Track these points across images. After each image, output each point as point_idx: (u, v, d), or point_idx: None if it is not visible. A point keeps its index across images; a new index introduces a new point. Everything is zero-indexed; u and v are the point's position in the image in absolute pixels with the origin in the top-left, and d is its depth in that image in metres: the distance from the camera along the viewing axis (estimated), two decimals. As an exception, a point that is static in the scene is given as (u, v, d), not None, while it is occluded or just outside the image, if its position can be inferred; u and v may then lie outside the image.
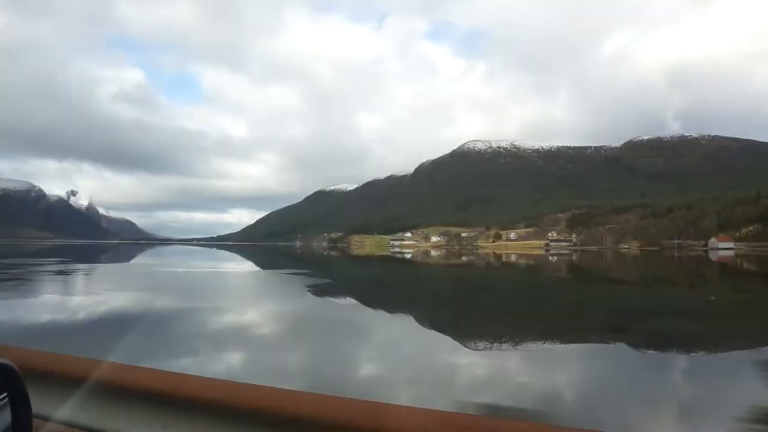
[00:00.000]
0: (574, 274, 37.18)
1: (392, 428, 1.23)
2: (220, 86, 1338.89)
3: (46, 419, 1.43)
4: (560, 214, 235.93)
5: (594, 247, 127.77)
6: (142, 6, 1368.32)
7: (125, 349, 8.52)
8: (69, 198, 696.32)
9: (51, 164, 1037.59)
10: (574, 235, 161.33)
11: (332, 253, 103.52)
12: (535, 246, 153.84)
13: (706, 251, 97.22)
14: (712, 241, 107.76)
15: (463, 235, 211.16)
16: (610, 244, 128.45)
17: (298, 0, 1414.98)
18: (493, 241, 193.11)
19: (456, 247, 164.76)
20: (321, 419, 1.28)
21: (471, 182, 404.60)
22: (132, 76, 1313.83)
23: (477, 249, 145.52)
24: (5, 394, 1.10)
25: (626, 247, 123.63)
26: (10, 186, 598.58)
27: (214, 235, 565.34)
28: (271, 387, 1.40)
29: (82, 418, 1.47)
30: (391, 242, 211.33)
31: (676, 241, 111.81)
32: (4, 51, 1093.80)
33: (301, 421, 1.29)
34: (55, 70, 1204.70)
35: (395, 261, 62.19)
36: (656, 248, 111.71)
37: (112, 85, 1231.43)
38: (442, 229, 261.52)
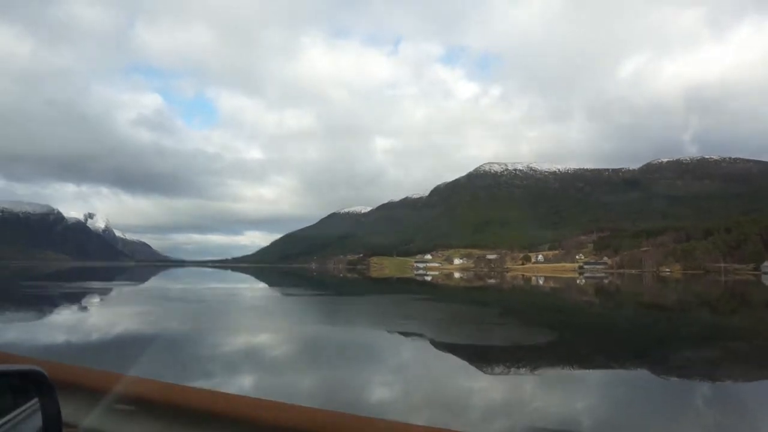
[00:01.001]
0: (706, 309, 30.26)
1: None
2: (236, 110, 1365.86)
3: (74, 426, 1.44)
4: (583, 237, 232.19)
5: (633, 270, 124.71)
6: (161, 32, 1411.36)
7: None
8: (86, 220, 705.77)
9: (70, 187, 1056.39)
10: (606, 258, 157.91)
11: (349, 275, 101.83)
12: (567, 269, 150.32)
13: (756, 275, 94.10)
14: (765, 265, 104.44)
15: (490, 257, 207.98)
16: (650, 267, 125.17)
17: (315, 25, 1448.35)
18: (522, 264, 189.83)
19: (485, 270, 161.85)
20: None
21: (488, 204, 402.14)
22: (150, 100, 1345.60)
23: (507, 272, 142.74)
24: (35, 400, 1.11)
25: (668, 270, 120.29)
26: (30, 209, 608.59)
27: (229, 257, 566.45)
28: (295, 405, 1.36)
29: (111, 427, 1.47)
30: (415, 264, 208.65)
31: (723, 265, 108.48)
32: (29, 78, 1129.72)
33: None
34: (76, 97, 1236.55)
35: (460, 290, 60.00)
36: (700, 272, 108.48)
37: (131, 109, 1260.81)
38: (463, 251, 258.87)
